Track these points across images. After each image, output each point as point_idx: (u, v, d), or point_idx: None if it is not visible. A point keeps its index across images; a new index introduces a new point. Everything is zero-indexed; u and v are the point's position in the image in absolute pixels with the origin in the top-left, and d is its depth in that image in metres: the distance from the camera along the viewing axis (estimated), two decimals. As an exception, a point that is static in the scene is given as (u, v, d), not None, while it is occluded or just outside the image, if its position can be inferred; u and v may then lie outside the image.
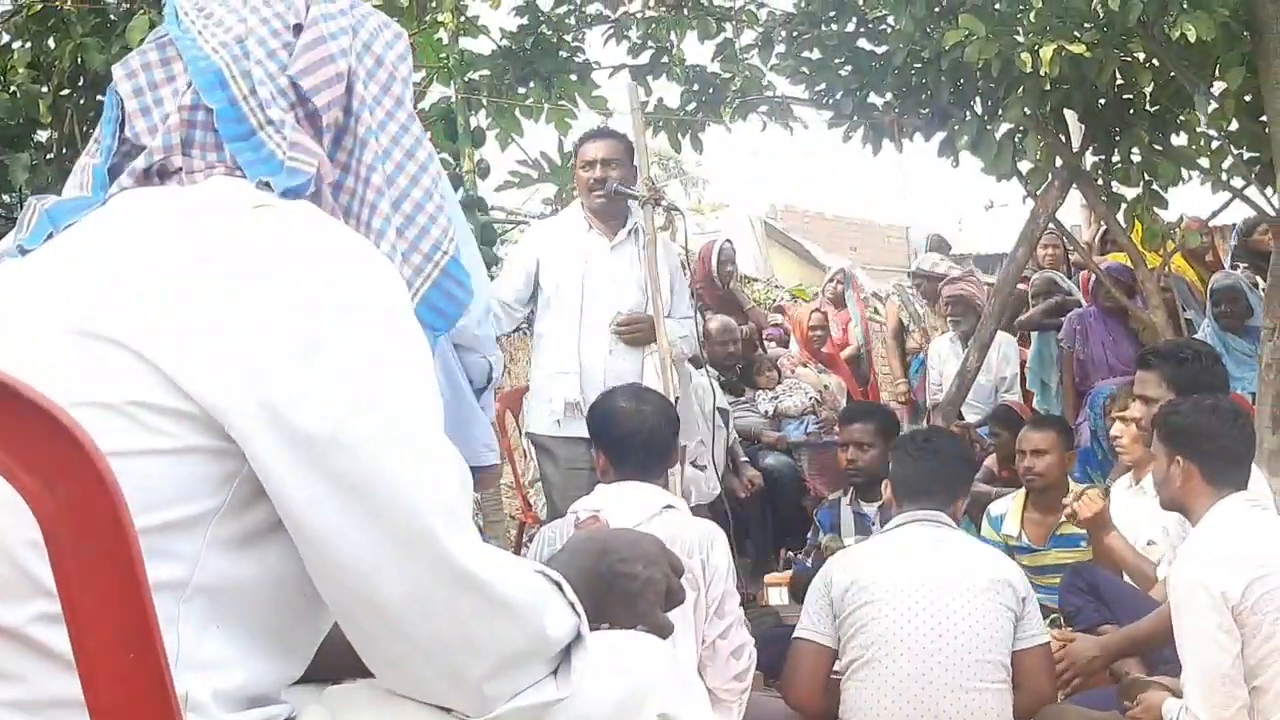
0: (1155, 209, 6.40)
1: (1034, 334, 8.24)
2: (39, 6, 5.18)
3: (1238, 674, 3.35)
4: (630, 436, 3.93)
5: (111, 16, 5.31)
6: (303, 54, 1.48)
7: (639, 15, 7.29)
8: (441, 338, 2.55)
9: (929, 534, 3.92)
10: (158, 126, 1.46)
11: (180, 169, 1.45)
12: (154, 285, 1.28)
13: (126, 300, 1.27)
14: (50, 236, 1.43)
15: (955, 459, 4.24)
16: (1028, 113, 6.25)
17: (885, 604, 3.73)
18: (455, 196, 5.58)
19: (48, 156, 5.44)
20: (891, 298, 10.44)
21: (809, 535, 6.21)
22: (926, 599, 3.71)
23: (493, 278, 5.63)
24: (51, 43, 5.29)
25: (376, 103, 1.54)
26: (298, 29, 1.50)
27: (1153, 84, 6.05)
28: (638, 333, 5.14)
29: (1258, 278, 7.57)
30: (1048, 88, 6.01)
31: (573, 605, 1.43)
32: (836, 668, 3.85)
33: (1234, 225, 8.20)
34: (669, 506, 3.78)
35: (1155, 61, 5.89)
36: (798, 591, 5.78)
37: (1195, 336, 7.05)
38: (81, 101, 5.40)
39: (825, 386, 8.18)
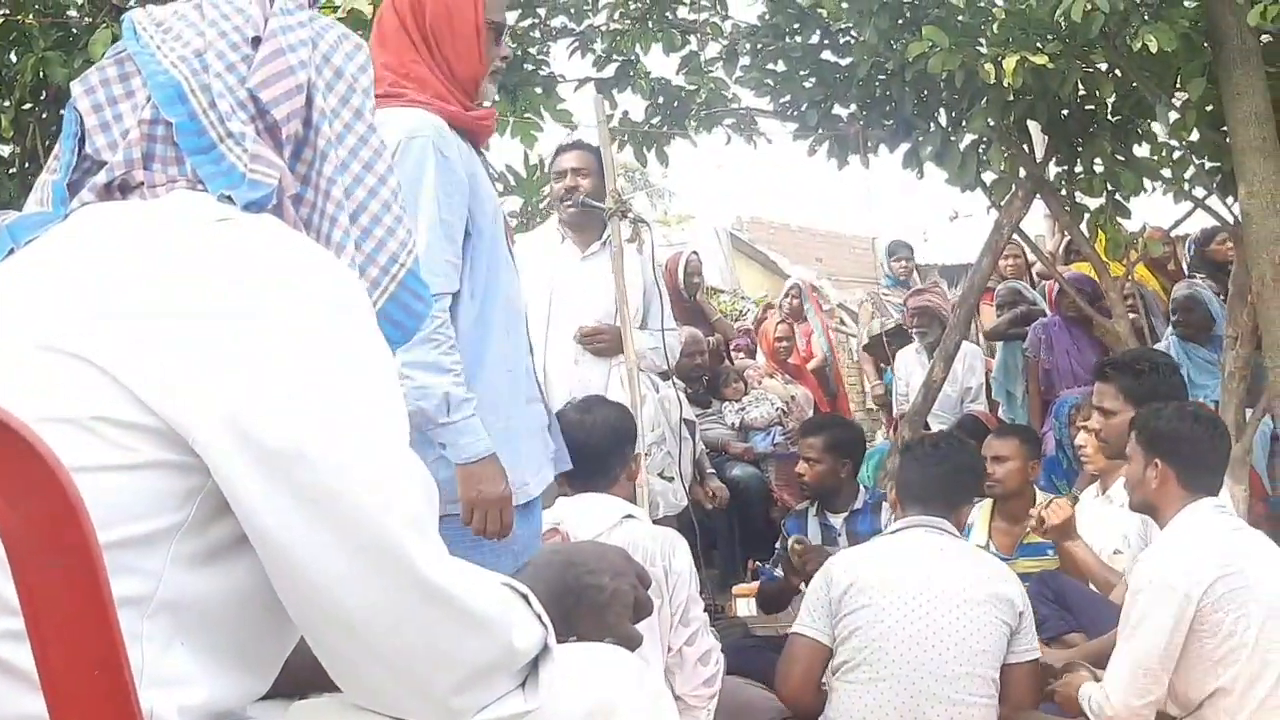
0: (1118, 219, 6.45)
1: (999, 344, 8.28)
2: (0, 20, 5.15)
3: (1164, 674, 3.40)
4: (569, 445, 3.94)
5: (74, 31, 5.29)
6: (262, 66, 1.48)
7: (604, 28, 7.30)
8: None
9: (932, 541, 3.95)
10: (118, 142, 1.46)
11: (142, 183, 1.44)
12: (117, 300, 1.27)
13: (89, 315, 1.27)
14: (11, 252, 1.42)
15: (962, 468, 4.25)
16: (991, 124, 6.29)
17: (882, 609, 3.75)
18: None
19: (10, 171, 5.41)
20: (865, 304, 10.49)
21: (776, 546, 6.22)
22: (923, 608, 3.73)
23: None
24: (13, 57, 5.26)
25: (335, 114, 1.54)
26: (256, 42, 1.50)
27: (1115, 95, 6.09)
28: (603, 343, 5.13)
29: (1216, 285, 7.63)
30: (1011, 99, 6.05)
31: (539, 617, 1.43)
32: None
33: (1187, 236, 8.25)
34: (629, 516, 3.79)
35: (1117, 72, 5.93)
36: (765, 602, 5.80)
37: (1158, 345, 7.10)
38: (44, 116, 5.37)
39: (792, 397, 8.21)
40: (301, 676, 1.43)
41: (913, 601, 3.75)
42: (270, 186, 1.43)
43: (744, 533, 7.11)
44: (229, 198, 1.42)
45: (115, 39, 1.54)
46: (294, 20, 1.54)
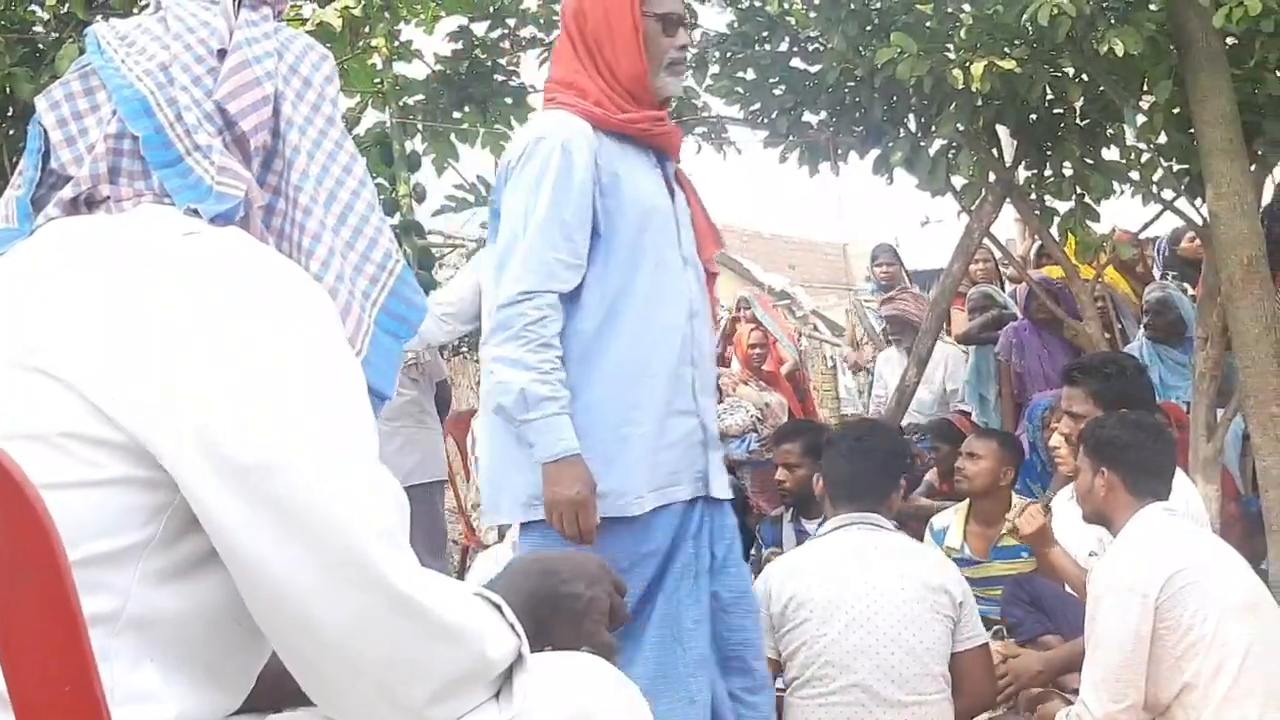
0: (1088, 222, 6.46)
1: (971, 348, 8.30)
2: (-35, 36, 5.13)
3: (1137, 677, 3.42)
4: None
5: (40, 46, 5.27)
6: (228, 78, 1.47)
7: (573, 38, 7.28)
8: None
9: (864, 539, 3.93)
10: (84, 156, 1.45)
11: (108, 197, 1.44)
12: (84, 316, 1.27)
13: (56, 331, 1.26)
14: None
15: (887, 455, 4.21)
16: (960, 129, 6.30)
17: (824, 622, 3.74)
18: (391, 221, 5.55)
19: (-22, 187, 5.37)
20: (850, 314, 10.51)
21: (752, 552, 6.22)
22: (865, 614, 3.72)
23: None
24: (-21, 72, 5.24)
25: (308, 122, 1.54)
26: (222, 54, 1.49)
27: (1083, 99, 6.11)
28: None
29: (1187, 285, 7.67)
30: (979, 104, 6.06)
31: (513, 626, 1.43)
32: (779, 684, 3.85)
33: (1156, 238, 8.29)
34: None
35: (1085, 76, 5.95)
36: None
37: (1129, 347, 7.13)
38: (10, 132, 5.35)
39: (766, 404, 8.21)
40: (275, 691, 1.43)
41: (854, 610, 3.75)
42: (237, 198, 1.43)
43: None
44: (195, 211, 1.41)
45: (82, 54, 1.53)
46: (259, 32, 1.54)
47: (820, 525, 4.21)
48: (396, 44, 6.90)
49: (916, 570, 3.86)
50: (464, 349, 8.20)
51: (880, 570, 3.82)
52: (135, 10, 5.09)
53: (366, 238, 1.56)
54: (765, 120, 7.04)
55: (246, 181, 1.45)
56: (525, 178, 3.23)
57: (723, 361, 9.17)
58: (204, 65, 1.48)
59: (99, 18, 4.85)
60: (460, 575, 5.75)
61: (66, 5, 5.18)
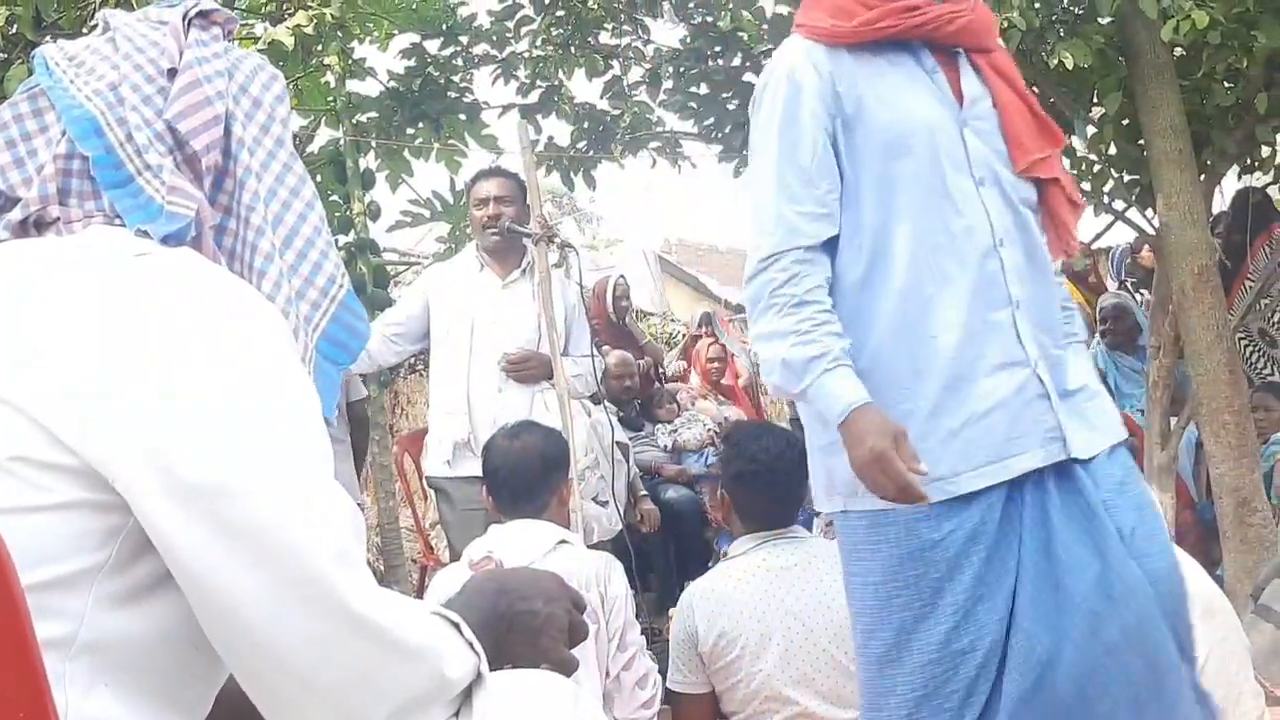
0: (1040, 232, 6.50)
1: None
2: (-86, 58, 5.10)
3: None
4: (497, 470, 3.93)
5: (-11, 67, 5.23)
6: (179, 98, 1.47)
7: (526, 55, 7.31)
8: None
9: (785, 558, 3.77)
10: (33, 177, 1.44)
11: (58, 219, 1.43)
12: (34, 339, 1.26)
13: (6, 355, 1.25)
14: None
15: (794, 471, 3.82)
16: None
17: (757, 657, 3.64)
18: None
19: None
20: None
21: (710, 566, 6.22)
22: (797, 644, 3.63)
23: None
24: (-73, 95, 5.20)
25: (257, 143, 1.54)
26: (172, 73, 1.49)
27: (1034, 110, 6.16)
28: (527, 370, 5.12)
29: (1145, 292, 7.74)
30: (931, 117, 6.09)
31: (471, 645, 1.43)
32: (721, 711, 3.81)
33: (1109, 249, 8.37)
34: (563, 542, 3.77)
35: (1035, 89, 6.00)
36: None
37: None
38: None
39: (726, 418, 8.22)
40: (231, 714, 1.42)
41: (785, 639, 3.64)
42: (187, 218, 1.42)
43: (679, 554, 7.11)
44: (146, 232, 1.41)
45: (30, 75, 1.52)
46: (209, 52, 1.53)
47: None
48: (349, 61, 6.89)
49: (839, 582, 3.76)
50: (420, 367, 8.16)
51: (805, 590, 3.70)
52: (85, 31, 5.06)
53: (311, 262, 1.55)
54: (719, 135, 7.07)
55: (198, 201, 1.44)
56: (757, 125, 2.81)
57: (682, 377, 9.20)
58: (154, 85, 1.48)
59: (47, 38, 4.83)
60: (418, 594, 5.73)
61: (15, 26, 5.15)
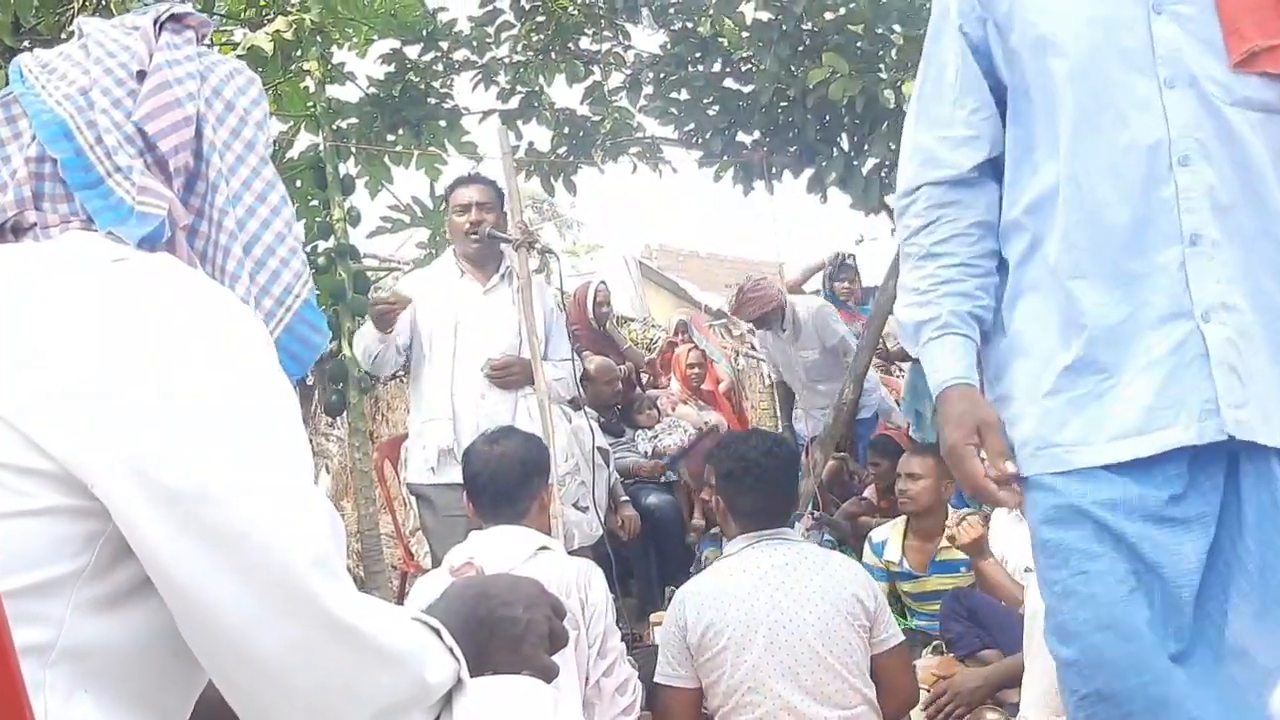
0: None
1: (909, 364, 8.36)
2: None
3: None
4: (478, 476, 3.93)
5: (-34, 74, 5.21)
6: (147, 99, 1.47)
7: (506, 60, 7.32)
8: None
9: (775, 558, 3.84)
10: (7, 183, 1.44)
11: (35, 224, 1.43)
12: (13, 345, 1.25)
13: (-15, 361, 1.25)
14: None
15: (784, 471, 4.04)
16: (893, 147, 6.35)
17: (744, 649, 3.69)
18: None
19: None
20: None
21: (692, 571, 6.23)
22: (782, 637, 3.67)
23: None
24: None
25: (226, 147, 1.53)
26: (141, 76, 1.49)
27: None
28: (510, 376, 5.13)
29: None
30: (911, 123, 6.11)
31: (451, 651, 1.43)
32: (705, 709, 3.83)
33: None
34: (544, 548, 3.77)
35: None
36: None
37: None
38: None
39: (706, 423, 8.23)
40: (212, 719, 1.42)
41: (772, 634, 3.68)
42: (159, 217, 1.42)
43: (660, 560, 7.11)
44: (117, 236, 1.40)
45: (7, 84, 1.53)
46: (180, 54, 1.53)
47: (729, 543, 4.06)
48: (329, 67, 6.88)
49: (829, 583, 3.79)
50: (400, 373, 8.15)
51: (793, 588, 3.75)
52: (64, 37, 5.05)
53: (269, 270, 1.55)
54: (700, 140, 7.10)
55: (169, 201, 1.44)
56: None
57: (660, 384, 9.21)
58: (124, 88, 1.48)
59: (26, 44, 4.82)
60: (399, 600, 5.72)
61: (-6, 31, 5.13)
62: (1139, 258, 2.19)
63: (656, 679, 3.87)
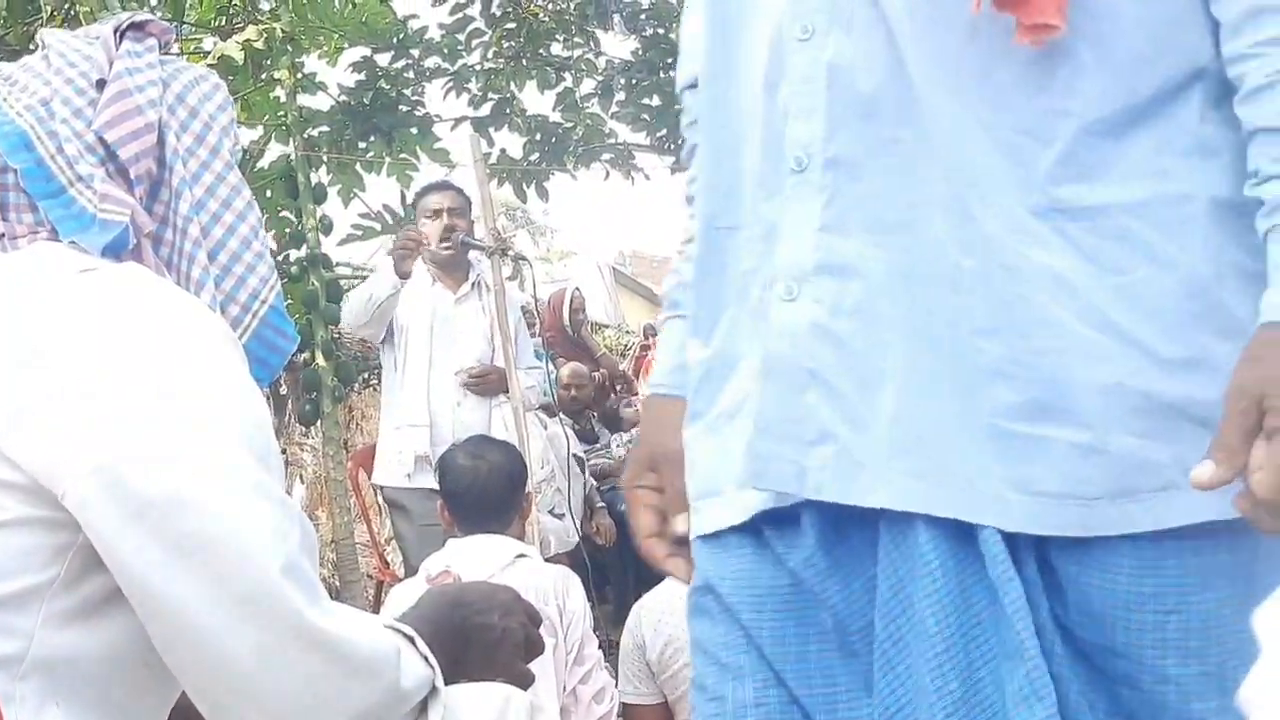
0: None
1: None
2: None
3: None
4: (464, 491, 3.91)
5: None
6: (107, 108, 1.46)
7: (478, 67, 7.31)
8: None
9: None
10: None
11: (2, 235, 1.42)
12: None
13: (-48, 373, 1.24)
14: None
15: None
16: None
17: None
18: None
19: None
20: None
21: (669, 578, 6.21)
22: None
23: (340, 334, 5.57)
24: None
25: (190, 153, 1.53)
26: (101, 84, 1.48)
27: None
28: (488, 384, 5.12)
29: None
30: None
31: (426, 658, 1.42)
32: None
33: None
34: (521, 556, 3.76)
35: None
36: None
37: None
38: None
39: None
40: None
41: None
42: (122, 224, 1.41)
43: (636, 567, 7.10)
44: (79, 245, 1.40)
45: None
46: (142, 62, 1.53)
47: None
48: (300, 76, 6.86)
49: None
50: (374, 381, 8.12)
51: None
52: (32, 49, 5.03)
53: (234, 276, 1.54)
54: (672, 146, 7.10)
55: (130, 207, 1.44)
56: None
57: (631, 390, 9.21)
58: (84, 97, 1.47)
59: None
60: (374, 609, 5.70)
61: (-39, 42, 5.11)
62: (736, 208, 1.47)
63: (621, 699, 3.82)
